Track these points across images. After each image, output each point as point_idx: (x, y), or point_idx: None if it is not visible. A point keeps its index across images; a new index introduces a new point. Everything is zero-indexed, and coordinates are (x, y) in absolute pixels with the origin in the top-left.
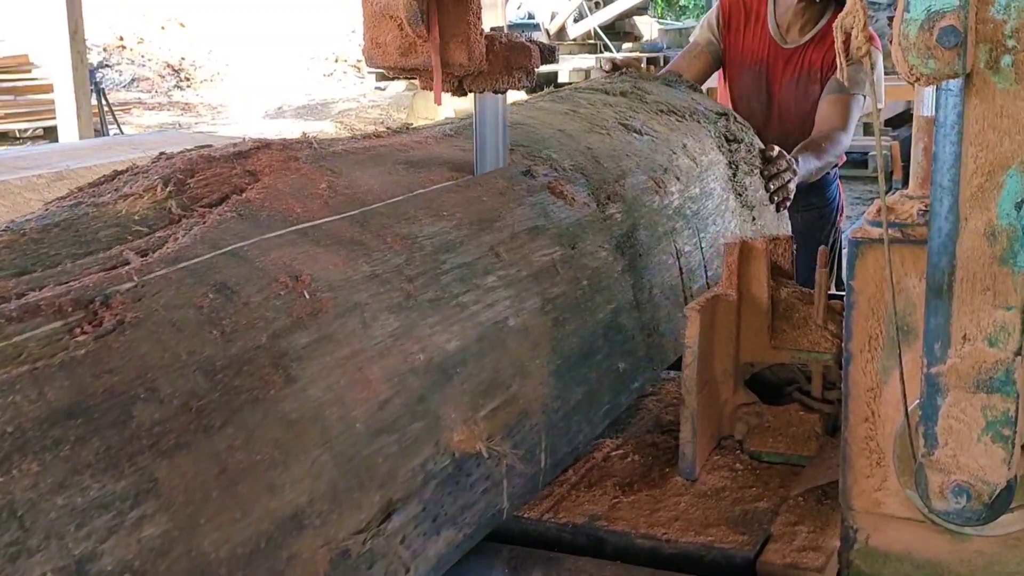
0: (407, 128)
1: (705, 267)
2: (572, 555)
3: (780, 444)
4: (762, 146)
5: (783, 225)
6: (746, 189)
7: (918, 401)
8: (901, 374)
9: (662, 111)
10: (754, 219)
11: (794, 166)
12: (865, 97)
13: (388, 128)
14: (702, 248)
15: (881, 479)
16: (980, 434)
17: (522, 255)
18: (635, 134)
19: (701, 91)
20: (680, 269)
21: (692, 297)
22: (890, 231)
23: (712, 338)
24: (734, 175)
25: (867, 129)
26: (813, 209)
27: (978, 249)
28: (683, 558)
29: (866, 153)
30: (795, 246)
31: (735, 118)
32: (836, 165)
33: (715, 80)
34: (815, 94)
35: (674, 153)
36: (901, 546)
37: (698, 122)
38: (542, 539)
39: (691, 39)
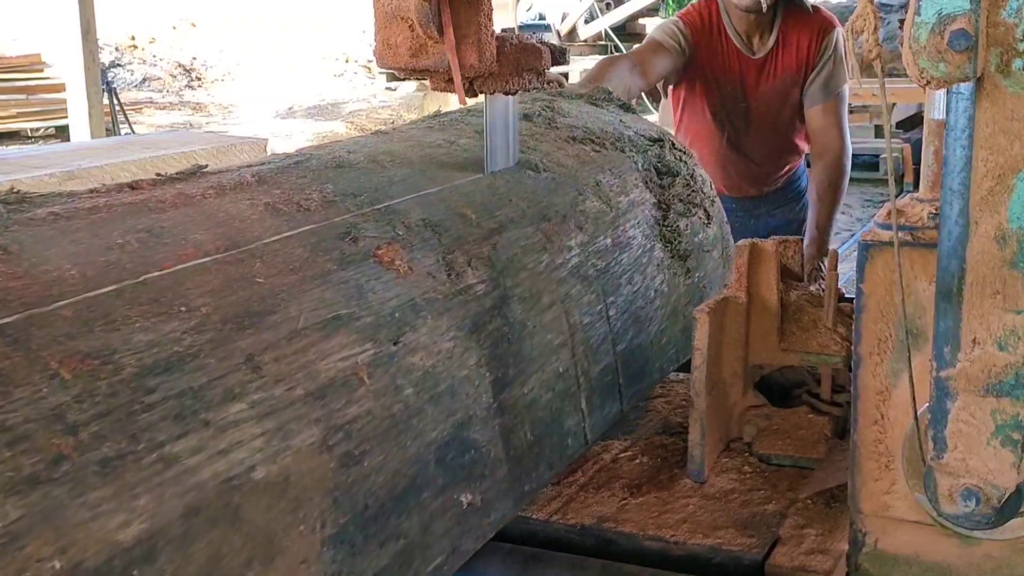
0: (197, 171)
1: (614, 341)
2: (580, 556)
3: (789, 447)
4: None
5: (729, 274)
6: (679, 235)
7: (927, 405)
8: (911, 377)
9: (574, 139)
10: (688, 271)
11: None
12: (848, 85)
13: (161, 175)
14: (608, 317)
15: (890, 482)
16: (989, 438)
17: (301, 364)
18: (530, 171)
19: (634, 111)
20: (574, 350)
21: (591, 383)
22: (900, 234)
23: (721, 340)
24: (664, 218)
25: (878, 131)
26: (787, 203)
27: (988, 253)
28: (691, 560)
29: (877, 155)
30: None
31: (672, 145)
32: (804, 154)
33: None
34: (794, 96)
35: (581, 194)
36: (910, 549)
37: (622, 151)
38: (550, 540)
39: (652, 36)
